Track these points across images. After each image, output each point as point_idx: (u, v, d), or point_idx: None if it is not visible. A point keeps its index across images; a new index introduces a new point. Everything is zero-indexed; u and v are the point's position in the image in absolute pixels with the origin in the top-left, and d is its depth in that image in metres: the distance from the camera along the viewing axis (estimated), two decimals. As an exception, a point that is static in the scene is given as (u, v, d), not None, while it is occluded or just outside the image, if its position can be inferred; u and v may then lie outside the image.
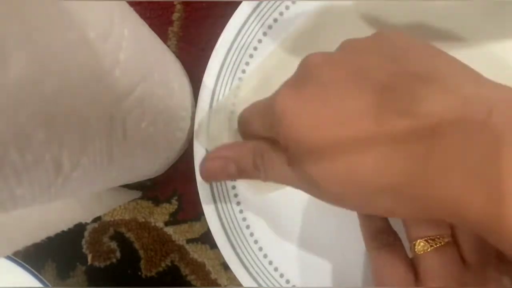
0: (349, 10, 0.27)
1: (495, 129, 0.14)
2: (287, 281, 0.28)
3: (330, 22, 0.28)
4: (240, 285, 0.28)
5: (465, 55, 0.26)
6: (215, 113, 0.29)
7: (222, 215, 0.29)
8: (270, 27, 0.28)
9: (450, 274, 0.20)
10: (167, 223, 0.31)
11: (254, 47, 0.28)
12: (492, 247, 0.20)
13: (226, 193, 0.29)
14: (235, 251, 0.28)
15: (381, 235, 0.23)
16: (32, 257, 0.31)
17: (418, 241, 0.21)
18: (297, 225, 0.28)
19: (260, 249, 0.28)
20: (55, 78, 0.13)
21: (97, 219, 0.32)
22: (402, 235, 0.22)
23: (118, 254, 0.32)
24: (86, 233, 0.32)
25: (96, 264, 0.32)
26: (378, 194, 0.16)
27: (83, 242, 0.32)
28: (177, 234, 0.31)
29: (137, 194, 0.31)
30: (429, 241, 0.21)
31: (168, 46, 0.31)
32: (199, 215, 0.31)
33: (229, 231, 0.28)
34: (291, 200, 0.28)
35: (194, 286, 0.31)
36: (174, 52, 0.31)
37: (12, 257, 0.29)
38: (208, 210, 0.28)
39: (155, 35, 0.26)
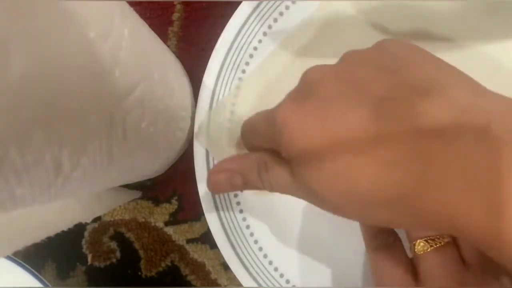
0: (348, 10, 0.27)
1: (494, 140, 0.14)
2: (287, 281, 0.28)
3: (330, 22, 0.28)
4: (240, 285, 0.28)
5: (460, 55, 0.26)
6: (215, 113, 0.29)
7: (222, 215, 0.29)
8: (270, 27, 0.28)
9: (450, 274, 0.20)
10: (167, 223, 0.31)
11: (254, 47, 0.28)
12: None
13: (226, 193, 0.29)
14: (235, 251, 0.28)
15: (381, 235, 0.23)
16: (32, 257, 0.31)
17: (418, 241, 0.21)
18: (297, 225, 0.28)
19: (260, 249, 0.28)
20: (55, 78, 0.13)
21: (97, 219, 0.32)
22: (402, 235, 0.22)
23: (118, 254, 0.32)
24: (86, 233, 0.32)
25: (96, 264, 0.32)
26: (377, 206, 0.16)
27: (83, 242, 0.32)
28: (177, 234, 0.31)
29: (137, 194, 0.31)
30: (429, 241, 0.21)
31: (168, 46, 0.31)
32: (199, 215, 0.31)
33: (229, 231, 0.28)
34: (291, 200, 0.28)
35: (194, 286, 0.31)
36: (174, 52, 0.31)
37: (12, 257, 0.29)
38: (208, 210, 0.29)
39: (155, 35, 0.26)
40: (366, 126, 0.16)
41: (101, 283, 0.32)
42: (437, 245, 0.20)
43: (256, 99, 0.28)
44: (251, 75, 0.28)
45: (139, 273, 0.31)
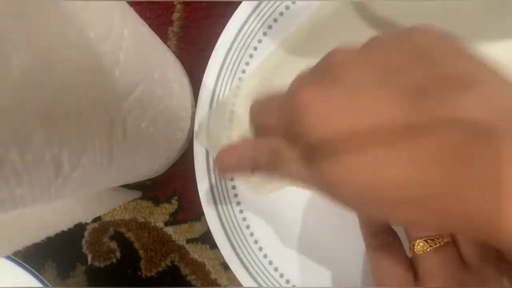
0: (348, 10, 0.27)
1: None
2: (287, 281, 0.28)
3: (330, 22, 0.28)
4: (240, 285, 0.28)
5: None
6: (215, 113, 0.29)
7: (222, 215, 0.29)
8: (270, 27, 0.28)
9: (450, 274, 0.20)
10: (167, 223, 0.31)
11: (254, 47, 0.28)
12: (491, 247, 0.20)
13: (226, 193, 0.29)
14: (235, 251, 0.28)
15: (381, 235, 0.23)
16: (32, 257, 0.31)
17: (418, 241, 0.21)
18: (297, 225, 0.28)
19: (260, 249, 0.28)
20: (55, 78, 0.13)
21: (97, 219, 0.32)
22: (402, 234, 0.22)
23: (118, 254, 0.32)
24: (86, 233, 0.32)
25: (96, 264, 0.32)
26: (399, 205, 0.15)
27: (83, 242, 0.32)
28: (177, 234, 0.31)
29: (137, 194, 0.31)
30: (428, 241, 0.21)
31: (168, 46, 0.31)
32: (199, 215, 0.31)
33: (229, 231, 0.28)
34: (291, 200, 0.28)
35: (194, 286, 0.31)
36: (174, 52, 0.31)
37: (12, 257, 0.29)
38: (208, 210, 0.29)
39: (155, 35, 0.26)
40: (397, 117, 0.15)
41: (101, 283, 0.32)
42: (437, 245, 0.20)
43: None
44: (251, 75, 0.28)
45: (139, 273, 0.31)
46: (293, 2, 0.28)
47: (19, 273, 0.29)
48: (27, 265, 0.29)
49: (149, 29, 0.25)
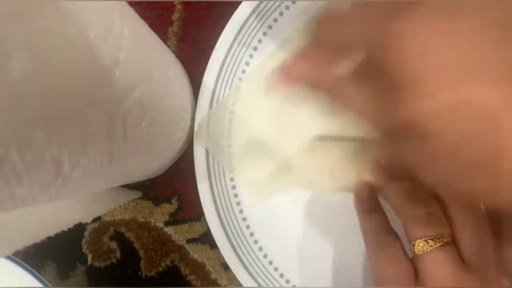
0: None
1: None
2: (287, 281, 0.28)
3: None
4: (240, 285, 0.28)
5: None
6: (215, 113, 0.29)
7: (222, 215, 0.29)
8: (270, 27, 0.28)
9: (450, 274, 0.20)
10: (167, 223, 0.31)
11: (254, 47, 0.28)
12: (491, 247, 0.20)
13: (226, 193, 0.29)
14: (235, 251, 0.28)
15: (381, 235, 0.23)
16: (32, 257, 0.31)
17: (418, 241, 0.21)
18: (297, 225, 0.28)
19: (260, 249, 0.28)
20: (55, 78, 0.13)
21: (97, 219, 0.32)
22: (402, 235, 0.22)
23: (118, 254, 0.32)
24: (86, 233, 0.32)
25: (96, 264, 0.32)
26: (495, 168, 0.13)
27: (83, 242, 0.32)
28: (177, 234, 0.31)
29: (137, 194, 0.31)
30: (428, 241, 0.21)
31: (168, 46, 0.31)
32: (199, 215, 0.31)
33: (229, 231, 0.28)
34: (291, 200, 0.28)
35: (194, 286, 0.31)
36: (174, 52, 0.31)
37: (12, 257, 0.29)
38: (208, 210, 0.29)
39: (155, 35, 0.26)
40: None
41: (101, 283, 0.32)
42: (437, 245, 0.20)
43: (256, 99, 0.28)
44: (251, 75, 0.28)
45: (139, 273, 0.31)
46: (293, 2, 0.28)
47: (19, 273, 0.29)
48: (27, 265, 0.29)
49: (149, 29, 0.25)
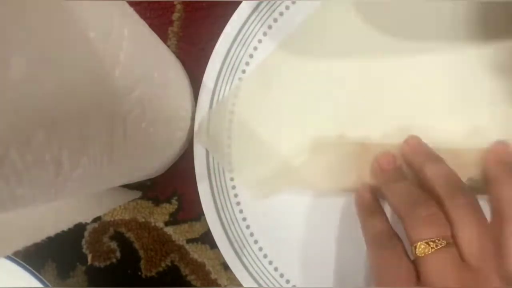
0: (348, 10, 0.27)
1: None
2: (287, 281, 0.28)
3: (330, 22, 0.28)
4: (240, 285, 0.28)
5: (458, 56, 0.26)
6: (215, 113, 0.29)
7: (222, 215, 0.29)
8: (270, 27, 0.28)
9: (451, 276, 0.20)
10: (167, 223, 0.31)
11: (254, 47, 0.28)
12: (492, 248, 0.20)
13: (226, 193, 0.29)
14: (235, 251, 0.28)
15: (382, 237, 0.23)
16: (32, 257, 0.31)
17: (419, 243, 0.21)
18: (297, 225, 0.28)
19: (260, 249, 0.28)
20: (55, 78, 0.13)
21: (97, 219, 0.32)
22: (404, 237, 0.22)
23: (118, 254, 0.32)
24: (86, 233, 0.32)
25: (96, 264, 0.32)
26: None
27: (83, 242, 0.32)
28: (177, 234, 0.31)
29: (137, 194, 0.31)
30: (429, 243, 0.20)
31: (168, 46, 0.31)
32: (199, 215, 0.31)
33: (229, 231, 0.28)
34: (291, 200, 0.28)
35: (194, 286, 0.31)
36: (174, 52, 0.31)
37: (12, 257, 0.29)
38: (208, 210, 0.29)
39: (155, 35, 0.26)
40: None
41: (101, 283, 0.32)
42: (438, 247, 0.20)
43: (256, 99, 0.28)
44: (251, 75, 0.28)
45: (139, 273, 0.31)
46: (293, 2, 0.28)
47: (19, 273, 0.29)
48: (27, 265, 0.29)
49: (149, 29, 0.25)
